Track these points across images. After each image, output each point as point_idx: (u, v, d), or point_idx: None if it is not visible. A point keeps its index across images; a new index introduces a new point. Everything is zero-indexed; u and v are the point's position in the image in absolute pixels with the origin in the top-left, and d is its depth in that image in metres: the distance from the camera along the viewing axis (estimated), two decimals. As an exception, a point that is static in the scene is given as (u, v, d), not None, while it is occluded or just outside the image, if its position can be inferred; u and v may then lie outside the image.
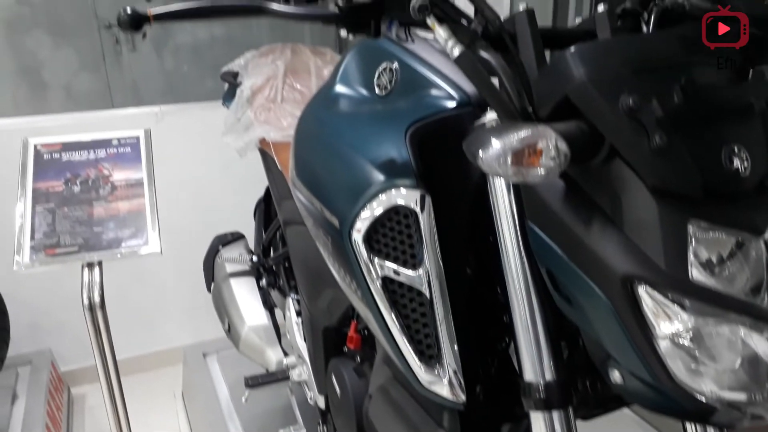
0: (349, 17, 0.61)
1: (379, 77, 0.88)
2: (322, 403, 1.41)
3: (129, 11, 0.58)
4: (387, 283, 0.76)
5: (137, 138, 1.63)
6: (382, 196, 0.75)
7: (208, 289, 1.84)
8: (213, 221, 2.04)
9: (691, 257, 0.55)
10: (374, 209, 0.75)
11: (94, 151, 1.59)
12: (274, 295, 1.71)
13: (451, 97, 0.77)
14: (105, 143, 1.61)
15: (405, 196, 0.74)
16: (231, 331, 1.69)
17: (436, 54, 0.84)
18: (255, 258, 1.75)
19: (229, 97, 1.65)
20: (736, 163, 0.56)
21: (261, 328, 1.63)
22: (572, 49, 0.58)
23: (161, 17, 0.59)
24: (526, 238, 0.66)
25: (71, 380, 2.36)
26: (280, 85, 1.53)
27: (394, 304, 0.76)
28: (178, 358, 2.36)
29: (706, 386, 0.56)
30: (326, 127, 0.89)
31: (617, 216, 0.57)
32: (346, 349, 1.29)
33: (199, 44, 2.96)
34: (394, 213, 0.75)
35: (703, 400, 0.56)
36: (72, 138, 1.59)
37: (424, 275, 0.74)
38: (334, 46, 2.69)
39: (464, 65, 0.62)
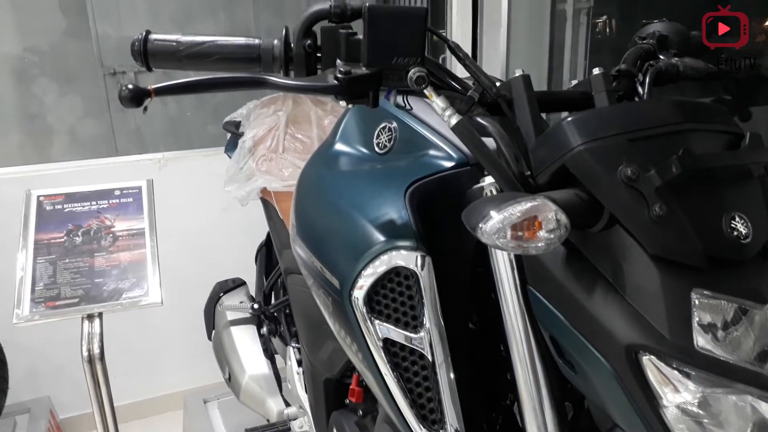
0: (348, 88, 0.62)
1: (378, 136, 0.89)
2: (324, 457, 1.39)
3: (130, 87, 0.59)
4: (388, 345, 0.76)
5: (139, 188, 1.64)
6: (383, 257, 0.75)
7: (209, 336, 1.83)
8: (214, 267, 2.04)
9: (695, 325, 0.55)
10: (375, 270, 0.76)
11: (97, 202, 1.60)
12: (276, 343, 1.70)
13: (450, 157, 0.78)
14: (107, 194, 1.63)
15: (405, 257, 0.74)
16: (231, 379, 1.67)
17: (434, 114, 0.85)
18: (256, 306, 1.74)
19: (231, 146, 1.67)
20: (737, 230, 0.56)
21: (262, 378, 1.61)
22: (569, 118, 0.59)
23: (163, 91, 0.60)
24: (528, 303, 0.66)
25: (70, 427, 2.33)
26: (282, 135, 1.55)
27: (395, 367, 0.75)
28: (178, 404, 2.33)
29: None
30: (326, 185, 0.90)
31: (619, 283, 0.57)
32: (347, 401, 1.28)
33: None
34: (395, 274, 0.75)
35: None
36: (74, 189, 1.61)
37: (425, 337, 0.73)
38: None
39: (462, 134, 0.63)
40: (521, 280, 0.67)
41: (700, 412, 0.55)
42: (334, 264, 0.82)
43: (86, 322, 1.36)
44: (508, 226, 0.52)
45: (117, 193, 1.66)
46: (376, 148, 0.88)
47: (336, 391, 1.29)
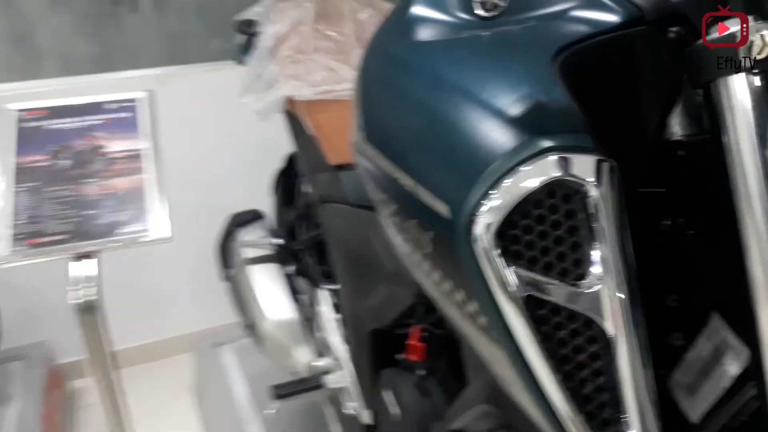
0: None
1: (482, -10, 0.60)
2: (368, 419, 1.17)
3: None
4: (533, 306, 0.49)
5: (138, 101, 1.37)
6: (528, 167, 0.47)
7: (222, 276, 1.59)
8: (224, 197, 1.81)
9: None
10: (514, 188, 0.47)
11: (87, 118, 1.34)
12: (304, 285, 1.45)
13: (614, 10, 0.50)
14: (99, 108, 1.36)
15: (569, 163, 0.46)
16: (252, 327, 1.44)
17: None
18: (280, 241, 1.48)
19: (245, 51, 1.37)
20: None
21: (288, 324, 1.38)
22: None
23: None
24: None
25: (72, 373, 2.14)
26: (310, 32, 1.26)
27: (545, 340, 0.49)
28: (187, 347, 2.14)
29: None
30: (413, 66, 0.61)
31: None
32: (401, 356, 1.05)
33: (204, 1, 2.68)
34: (548, 194, 0.47)
35: None
36: (60, 102, 1.34)
37: (602, 294, 0.47)
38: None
39: None
40: None
41: None
42: (441, 181, 0.54)
43: (76, 263, 1.11)
44: None
45: (112, 107, 1.39)
46: (481, 11, 0.60)
47: (386, 344, 1.06)
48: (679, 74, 0.48)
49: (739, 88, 0.41)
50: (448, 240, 0.52)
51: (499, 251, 0.48)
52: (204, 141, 2.09)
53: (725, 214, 0.45)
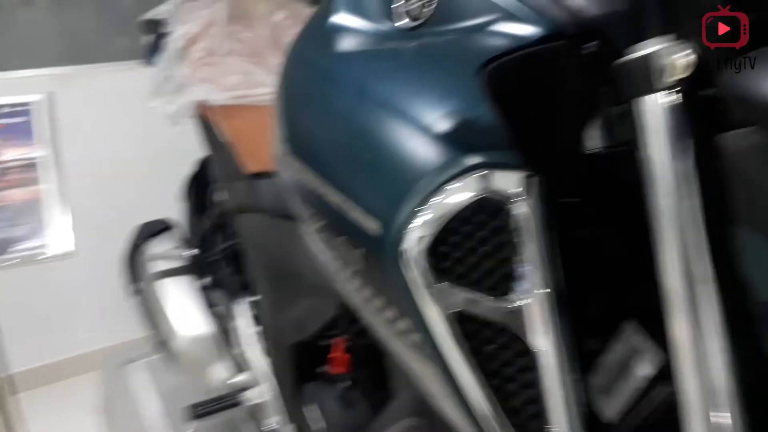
0: None
1: (403, 0, 0.59)
2: (290, 434, 1.13)
3: None
4: (464, 322, 0.48)
5: (33, 104, 1.27)
6: (456, 184, 0.46)
7: (131, 291, 1.50)
8: (131, 206, 1.70)
9: None
10: (444, 205, 0.47)
11: (-27, 122, 1.23)
12: (219, 297, 1.40)
13: (534, 24, 0.50)
14: (-12, 111, 1.25)
15: (498, 179, 0.46)
16: (165, 344, 1.36)
17: None
18: (192, 252, 1.42)
19: (153, 51, 1.30)
20: None
21: (204, 339, 1.32)
22: None
23: None
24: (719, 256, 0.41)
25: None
26: (223, 33, 1.21)
27: (475, 354, 0.49)
28: (95, 365, 2.01)
29: None
30: (338, 80, 0.59)
31: None
32: (324, 369, 1.02)
33: (106, -5, 2.53)
34: (476, 209, 0.47)
35: None
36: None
37: (527, 309, 0.47)
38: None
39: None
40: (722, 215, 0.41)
41: None
42: (370, 197, 0.52)
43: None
44: None
45: (3, 111, 1.29)
46: (403, 20, 0.58)
47: (309, 357, 1.03)
48: (596, 88, 0.49)
49: (656, 107, 0.42)
50: (379, 257, 0.51)
51: (430, 268, 0.47)
52: (109, 146, 1.97)
53: (640, 225, 0.46)
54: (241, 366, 1.29)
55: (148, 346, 1.79)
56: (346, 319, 0.92)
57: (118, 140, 1.97)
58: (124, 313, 1.82)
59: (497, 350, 0.48)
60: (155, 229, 1.50)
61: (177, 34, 1.21)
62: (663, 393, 0.53)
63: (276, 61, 1.19)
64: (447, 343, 0.48)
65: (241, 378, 1.27)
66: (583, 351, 0.59)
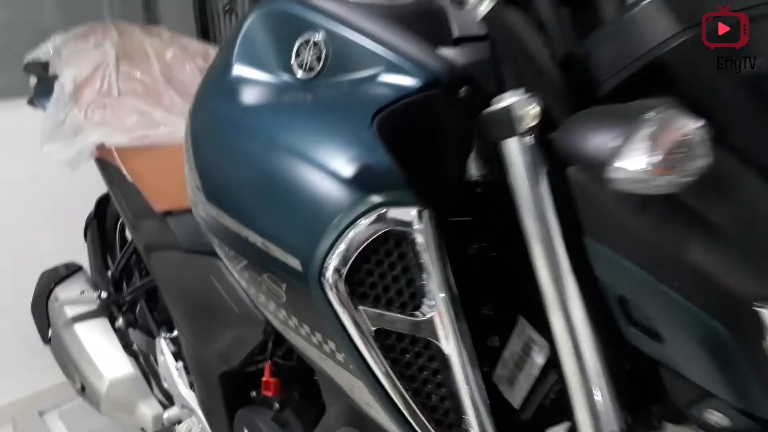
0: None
1: (299, 54, 0.65)
2: (227, 462, 1.16)
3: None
4: (382, 337, 0.56)
5: None
6: (364, 221, 0.54)
7: (45, 340, 1.45)
8: (32, 252, 1.67)
9: None
10: (355, 241, 0.54)
11: None
12: (136, 336, 1.39)
13: (414, 75, 0.58)
14: None
15: (397, 215, 0.54)
16: (86, 389, 1.34)
17: (370, 17, 0.63)
18: (104, 294, 1.40)
19: (42, 94, 1.27)
20: None
21: (127, 380, 1.31)
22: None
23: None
24: (578, 260, 0.50)
25: None
26: (114, 73, 1.21)
27: (394, 364, 0.56)
28: (6, 419, 1.91)
29: None
30: (247, 132, 0.64)
31: (723, 222, 0.43)
32: (254, 394, 1.06)
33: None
34: (382, 242, 0.54)
35: None
36: None
37: (434, 319, 0.55)
38: (142, 21, 2.32)
39: (498, 25, 0.44)
40: (569, 229, 0.50)
41: None
42: (288, 238, 0.59)
43: None
44: (660, 153, 0.35)
45: None
46: (300, 71, 0.64)
47: (237, 385, 1.06)
48: (470, 127, 0.58)
49: (515, 147, 0.52)
50: (302, 290, 0.58)
51: (349, 295, 0.55)
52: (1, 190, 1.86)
53: (518, 238, 0.56)
54: (169, 401, 1.30)
55: (60, 395, 1.73)
56: (271, 344, 0.96)
57: (10, 183, 1.87)
58: (31, 364, 1.75)
59: (413, 358, 0.57)
60: (62, 274, 1.46)
61: (66, 78, 1.19)
62: (553, 378, 0.63)
63: (171, 98, 1.21)
64: (369, 357, 0.57)
65: (170, 413, 1.27)
66: (488, 347, 0.69)
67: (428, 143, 0.58)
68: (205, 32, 2.37)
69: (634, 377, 0.56)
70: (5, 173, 1.86)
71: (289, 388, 0.99)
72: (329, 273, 0.55)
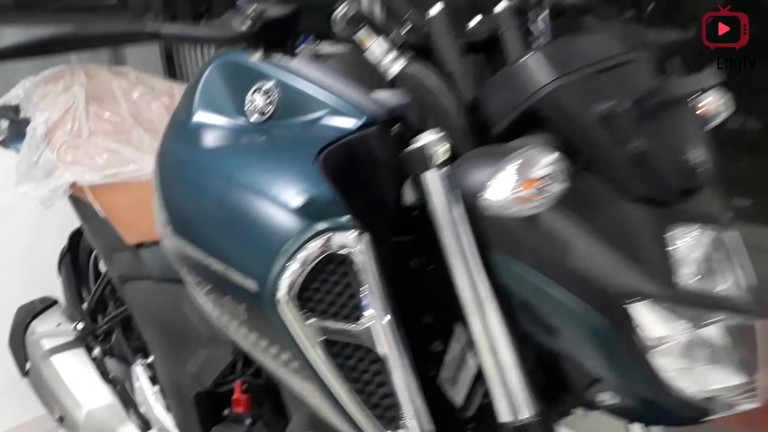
0: (264, 34, 0.47)
1: (252, 101, 0.74)
2: (205, 479, 1.21)
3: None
4: (330, 345, 0.65)
5: None
6: (311, 245, 0.63)
7: (23, 373, 1.49)
8: (9, 287, 1.66)
9: (677, 262, 0.53)
10: (304, 262, 0.63)
11: None
12: (113, 365, 1.44)
13: (354, 116, 0.67)
14: None
15: (339, 239, 0.63)
16: (65, 420, 1.38)
17: (315, 66, 0.73)
18: (80, 325, 1.45)
19: (15, 137, 1.33)
20: (694, 159, 0.55)
21: (106, 408, 1.36)
22: (533, 53, 0.52)
23: (4, 54, 0.39)
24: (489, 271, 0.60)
25: None
26: (84, 115, 1.28)
27: (341, 368, 0.65)
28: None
29: (705, 386, 0.55)
30: (208, 172, 0.73)
31: (598, 230, 0.53)
32: (227, 411, 1.13)
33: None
34: (327, 262, 0.63)
35: (705, 404, 0.55)
36: None
37: (372, 327, 0.63)
38: (109, 61, 2.38)
39: (410, 83, 0.53)
40: (481, 246, 0.60)
41: (687, 350, 0.54)
42: (246, 263, 0.67)
43: None
44: (519, 183, 0.44)
45: None
46: (253, 116, 0.73)
47: (211, 404, 1.13)
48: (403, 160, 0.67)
49: (432, 178, 0.61)
50: (259, 308, 0.66)
51: (299, 309, 0.64)
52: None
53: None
54: (146, 426, 1.35)
55: (39, 428, 1.75)
56: (241, 363, 1.04)
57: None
58: (12, 397, 1.77)
59: (357, 362, 0.66)
60: (37, 308, 1.51)
61: (38, 121, 1.26)
62: None
63: (140, 136, 1.29)
64: (319, 364, 0.66)
65: (149, 436, 1.33)
66: (432, 352, 0.78)
67: (367, 175, 0.67)
68: (171, 65, 2.44)
69: (545, 369, 0.65)
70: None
71: (259, 404, 1.06)
72: (281, 291, 0.63)
